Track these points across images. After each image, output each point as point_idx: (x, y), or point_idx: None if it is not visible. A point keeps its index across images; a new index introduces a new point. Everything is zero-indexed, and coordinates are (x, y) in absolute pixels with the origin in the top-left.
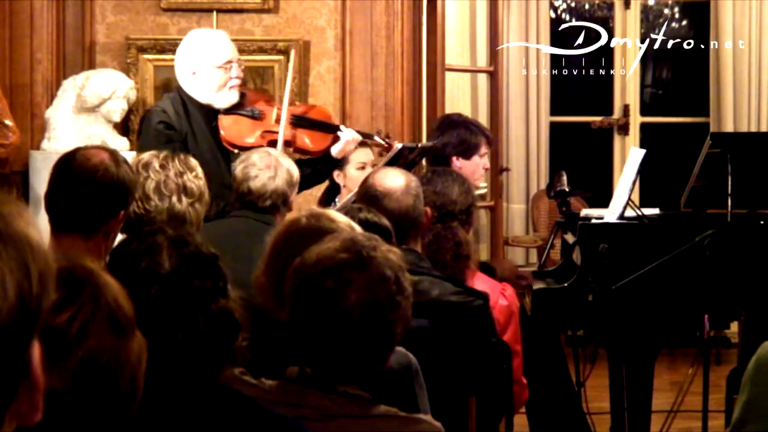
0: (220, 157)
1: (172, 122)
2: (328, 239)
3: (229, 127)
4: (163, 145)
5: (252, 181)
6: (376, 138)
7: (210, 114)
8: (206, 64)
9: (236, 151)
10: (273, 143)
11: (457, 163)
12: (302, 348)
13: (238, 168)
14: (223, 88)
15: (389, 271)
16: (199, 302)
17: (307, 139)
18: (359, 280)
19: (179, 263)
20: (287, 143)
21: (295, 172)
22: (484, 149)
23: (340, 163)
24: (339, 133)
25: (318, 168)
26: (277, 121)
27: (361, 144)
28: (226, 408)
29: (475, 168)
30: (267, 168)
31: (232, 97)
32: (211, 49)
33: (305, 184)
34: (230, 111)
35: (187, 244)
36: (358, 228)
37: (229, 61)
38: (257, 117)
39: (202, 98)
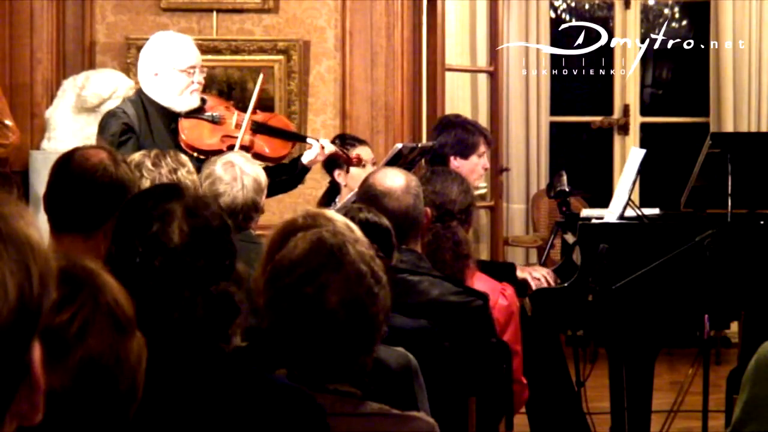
0: None
1: (131, 122)
2: (294, 241)
3: (189, 130)
4: (118, 148)
5: (221, 198)
6: (340, 149)
7: (170, 117)
8: (169, 67)
9: (195, 154)
10: (231, 148)
11: (455, 162)
12: (288, 352)
13: (204, 184)
14: (185, 92)
15: (363, 266)
16: (201, 283)
17: (265, 146)
18: (337, 282)
19: (188, 239)
20: (245, 148)
21: (262, 177)
22: (482, 148)
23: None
24: (310, 141)
25: (285, 177)
26: (237, 126)
27: (362, 142)
28: (226, 379)
29: (473, 167)
30: (233, 180)
31: (193, 102)
32: (176, 53)
33: (273, 192)
34: (190, 115)
35: (200, 216)
36: (356, 228)
37: (193, 66)
38: (217, 121)
39: (163, 101)
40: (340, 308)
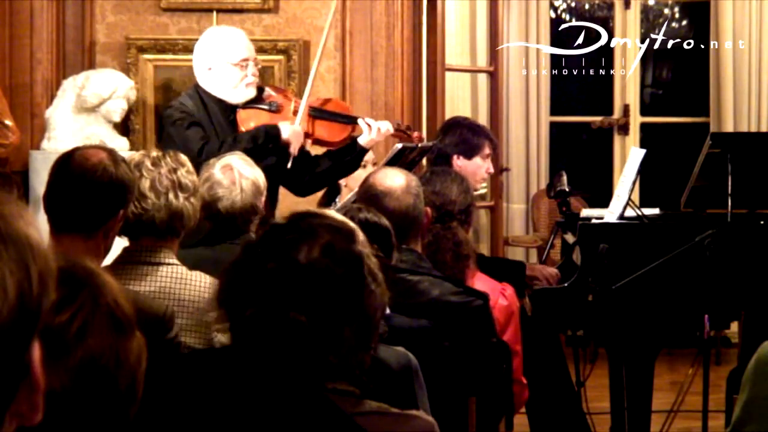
0: None
1: (191, 111)
2: None
3: (248, 121)
4: (188, 129)
5: (220, 203)
6: (398, 129)
7: (228, 108)
8: (222, 61)
9: None
10: None
11: (458, 162)
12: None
13: (203, 188)
14: (239, 85)
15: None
16: (287, 305)
17: (324, 131)
18: None
19: (307, 265)
20: (306, 134)
21: (261, 179)
22: (487, 151)
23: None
24: (363, 123)
25: (345, 159)
26: (295, 113)
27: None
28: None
29: (476, 169)
30: (232, 184)
31: (248, 94)
32: (228, 47)
33: (334, 176)
34: (248, 105)
35: (333, 258)
36: (356, 228)
37: (246, 59)
38: (275, 110)
39: (219, 93)
40: None
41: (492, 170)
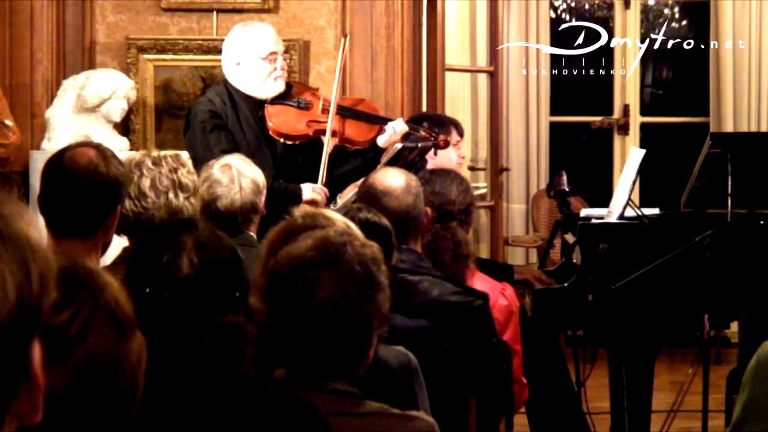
0: (265, 148)
1: (218, 110)
2: (302, 237)
3: (276, 117)
4: (210, 133)
5: (219, 201)
6: (422, 131)
7: (256, 105)
8: (250, 55)
9: (282, 140)
10: (319, 132)
11: (431, 154)
12: (283, 347)
13: (203, 188)
14: (268, 79)
15: (358, 267)
16: (208, 313)
17: (352, 130)
18: (327, 278)
19: (198, 270)
20: (333, 133)
21: (260, 178)
22: (455, 138)
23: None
24: (390, 126)
25: (367, 158)
26: (324, 111)
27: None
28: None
29: (449, 156)
30: (231, 182)
31: (277, 88)
32: (255, 41)
33: (355, 175)
34: (276, 101)
35: (210, 249)
36: (355, 228)
37: (274, 53)
38: (304, 107)
39: (247, 89)
40: (326, 304)
41: (464, 155)
